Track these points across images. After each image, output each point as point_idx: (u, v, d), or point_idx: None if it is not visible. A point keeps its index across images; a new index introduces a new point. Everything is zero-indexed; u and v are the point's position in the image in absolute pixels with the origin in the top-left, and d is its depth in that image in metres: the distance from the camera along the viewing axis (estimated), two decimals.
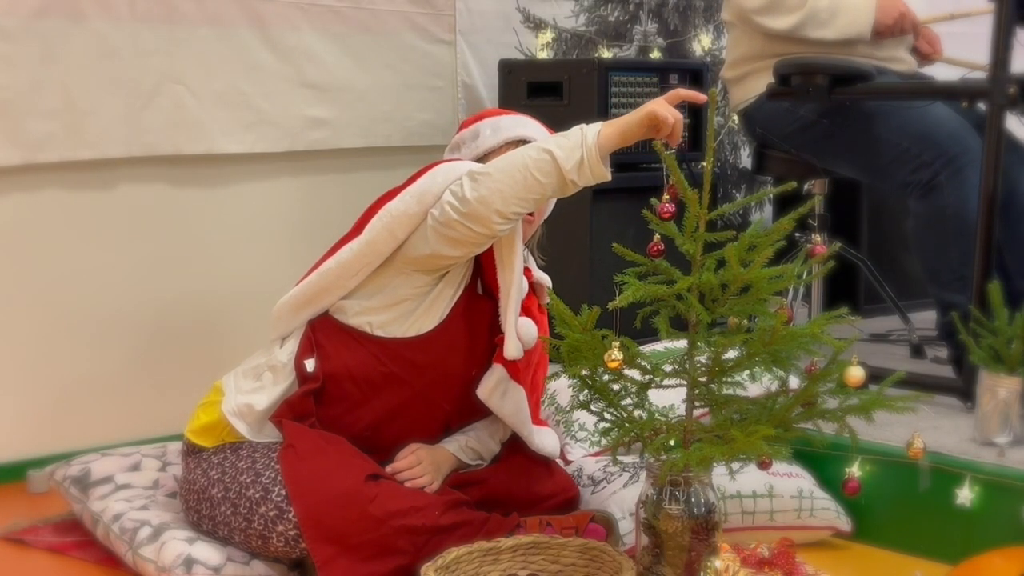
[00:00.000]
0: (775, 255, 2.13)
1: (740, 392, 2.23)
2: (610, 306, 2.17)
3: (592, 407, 2.29)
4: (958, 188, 3.02)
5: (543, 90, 3.67)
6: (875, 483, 2.57)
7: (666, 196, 2.18)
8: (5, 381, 3.10)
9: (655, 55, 3.98)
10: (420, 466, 2.46)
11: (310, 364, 2.45)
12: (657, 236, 2.18)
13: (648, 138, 2.32)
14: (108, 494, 2.62)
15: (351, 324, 2.47)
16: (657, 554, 2.21)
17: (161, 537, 2.41)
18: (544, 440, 2.61)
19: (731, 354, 2.20)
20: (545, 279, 2.65)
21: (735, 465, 2.21)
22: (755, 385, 2.27)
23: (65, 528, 2.73)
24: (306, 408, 2.44)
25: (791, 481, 2.68)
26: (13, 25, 3.01)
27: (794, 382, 2.28)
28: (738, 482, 2.41)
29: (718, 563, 2.11)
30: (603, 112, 3.50)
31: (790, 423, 2.19)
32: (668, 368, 2.21)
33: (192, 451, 2.51)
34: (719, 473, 2.22)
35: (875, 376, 2.23)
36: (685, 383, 2.22)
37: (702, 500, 2.20)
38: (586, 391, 2.27)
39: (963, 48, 3.41)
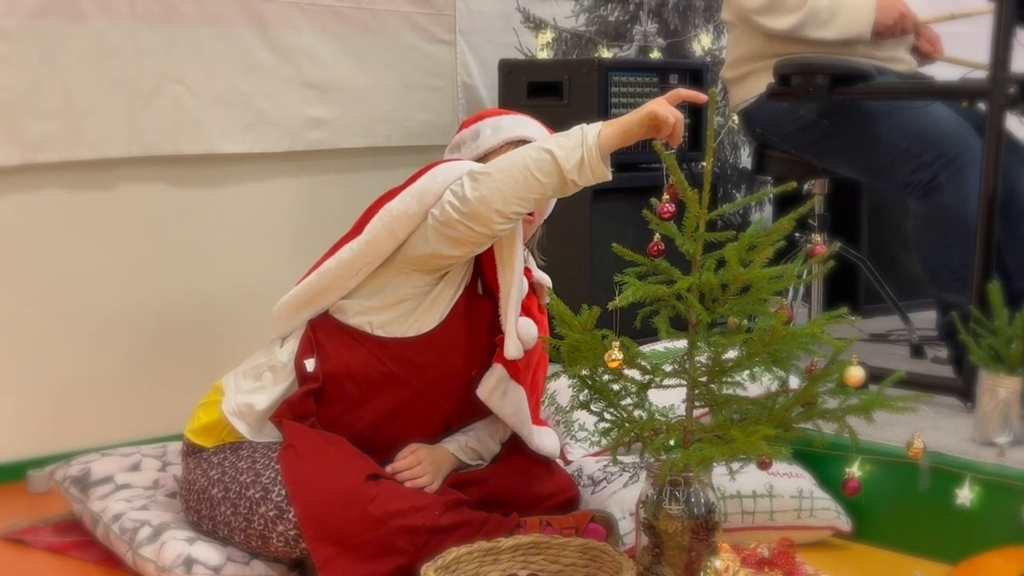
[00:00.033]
0: (775, 255, 2.13)
1: (740, 392, 2.23)
2: (610, 306, 2.17)
3: (592, 407, 2.29)
4: (958, 188, 3.02)
5: (543, 90, 3.67)
6: (875, 483, 2.57)
7: (666, 196, 2.18)
8: (5, 381, 3.10)
9: (655, 55, 3.98)
10: (420, 466, 2.46)
11: (310, 364, 2.45)
12: (657, 236, 2.18)
13: (649, 138, 2.32)
14: (108, 494, 2.62)
15: (351, 324, 2.47)
16: (657, 554, 2.21)
17: (161, 537, 2.41)
18: (544, 440, 2.61)
19: (731, 354, 2.20)
20: (545, 279, 2.65)
21: (735, 465, 2.21)
22: (755, 385, 2.27)
23: (65, 528, 2.73)
24: (306, 408, 2.44)
25: (791, 481, 2.68)
26: (13, 25, 3.01)
27: (794, 382, 2.28)
28: (738, 482, 2.41)
29: (718, 563, 2.11)
30: (603, 112, 3.50)
31: (790, 423, 2.19)
32: (668, 368, 2.21)
33: (192, 451, 2.51)
34: (719, 473, 2.22)
35: (875, 376, 2.23)
36: (685, 383, 2.22)
37: (702, 500, 2.20)
38: (586, 391, 2.27)
39: (963, 48, 3.41)
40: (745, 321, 2.19)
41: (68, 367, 3.19)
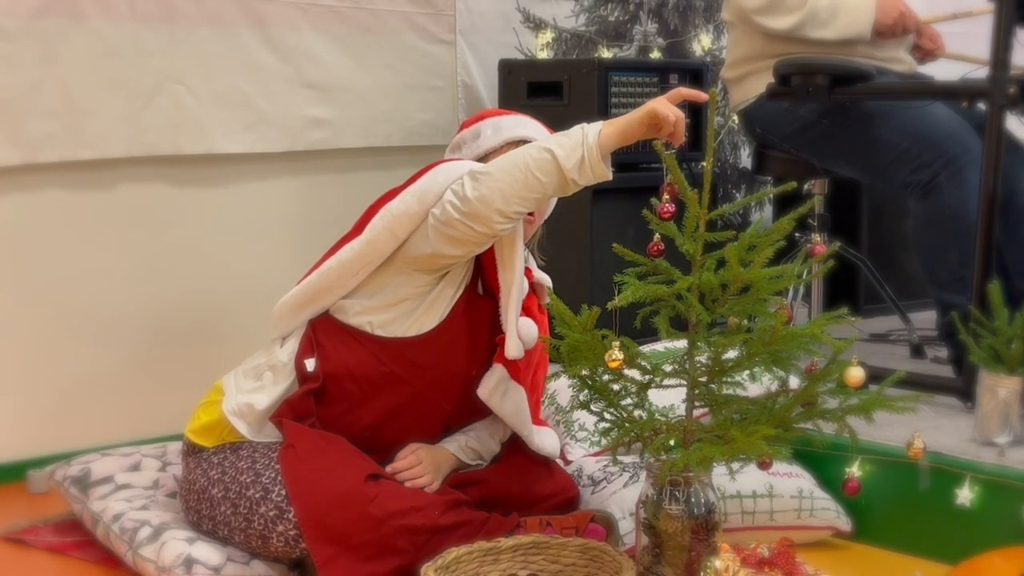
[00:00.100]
0: (775, 255, 2.13)
1: (740, 392, 2.23)
2: (610, 306, 2.17)
3: (592, 407, 2.29)
4: (958, 188, 3.02)
5: (543, 90, 3.67)
6: (875, 483, 2.57)
7: (666, 196, 2.18)
8: (5, 381, 3.10)
9: (655, 55, 3.98)
10: (420, 466, 2.46)
11: (310, 364, 2.45)
12: (657, 236, 2.18)
13: (649, 137, 2.31)
14: (108, 494, 2.62)
15: (351, 324, 2.47)
16: (657, 554, 2.21)
17: (161, 537, 2.41)
18: (544, 440, 2.61)
19: (731, 354, 2.20)
20: (545, 279, 2.65)
21: (735, 465, 2.21)
22: (755, 385, 2.27)
23: (65, 528, 2.73)
24: (306, 408, 2.44)
25: (791, 481, 2.68)
26: (13, 25, 3.01)
27: (794, 382, 2.28)
28: (738, 482, 2.41)
29: (718, 563, 2.11)
30: (603, 112, 3.50)
31: (790, 423, 2.19)
32: (668, 368, 2.21)
33: (192, 451, 2.51)
34: (719, 473, 2.22)
35: (875, 376, 2.23)
36: (685, 383, 2.22)
37: (702, 500, 2.20)
38: (586, 391, 2.27)
39: (963, 48, 3.41)
40: (745, 321, 2.19)
41: (68, 367, 3.19)
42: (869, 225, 4.14)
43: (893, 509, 2.66)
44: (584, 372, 2.23)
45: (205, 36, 3.36)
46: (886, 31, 3.26)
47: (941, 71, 3.42)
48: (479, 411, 2.55)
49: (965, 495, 2.51)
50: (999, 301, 2.67)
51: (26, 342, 3.13)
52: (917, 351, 3.52)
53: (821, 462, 2.72)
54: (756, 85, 3.33)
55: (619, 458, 2.58)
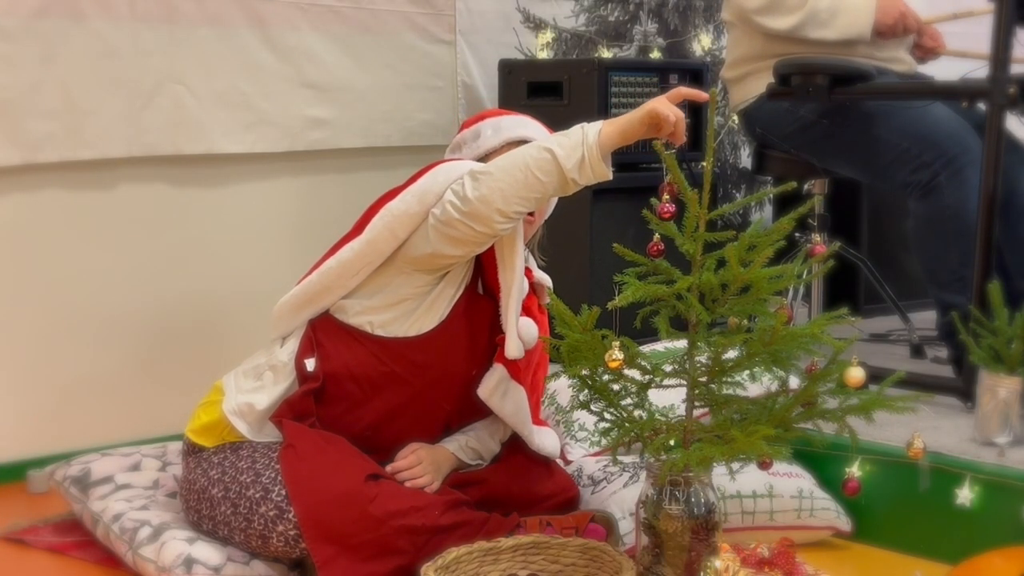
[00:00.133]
0: (775, 255, 2.13)
1: (740, 392, 2.23)
2: (610, 306, 2.17)
3: (592, 407, 2.29)
4: (958, 188, 3.02)
5: (543, 90, 3.67)
6: (875, 483, 2.57)
7: (666, 196, 2.18)
8: (5, 381, 3.10)
9: (655, 55, 3.98)
10: (420, 466, 2.46)
11: (310, 363, 2.45)
12: (657, 236, 2.18)
13: (650, 137, 2.31)
14: (108, 494, 2.62)
15: (352, 323, 2.47)
16: (657, 554, 2.21)
17: (161, 537, 2.41)
18: (544, 440, 2.61)
19: (731, 354, 2.20)
20: (546, 279, 2.65)
21: (735, 465, 2.21)
22: (755, 385, 2.27)
23: (65, 528, 2.73)
24: (306, 408, 2.44)
25: (791, 481, 2.68)
26: (13, 25, 3.01)
27: (794, 382, 2.28)
28: (738, 482, 2.41)
29: (718, 563, 2.11)
30: (603, 112, 3.50)
31: (790, 423, 2.19)
32: (668, 368, 2.21)
33: (192, 451, 2.51)
34: (719, 473, 2.22)
35: (875, 376, 2.23)
36: (685, 383, 2.22)
37: (702, 500, 2.20)
38: (586, 391, 2.27)
39: (963, 48, 3.41)
40: (745, 321, 2.19)
41: (68, 367, 3.19)
42: (869, 225, 4.14)
43: (893, 509, 2.66)
44: (584, 372, 2.23)
45: (205, 36, 3.36)
46: (886, 31, 3.26)
47: (941, 71, 3.42)
48: (479, 411, 2.55)
49: (965, 495, 2.51)
50: (999, 301, 2.67)
51: (26, 342, 3.13)
52: (917, 351, 3.52)
53: (821, 462, 2.72)
54: (756, 85, 3.33)
55: (619, 458, 2.58)
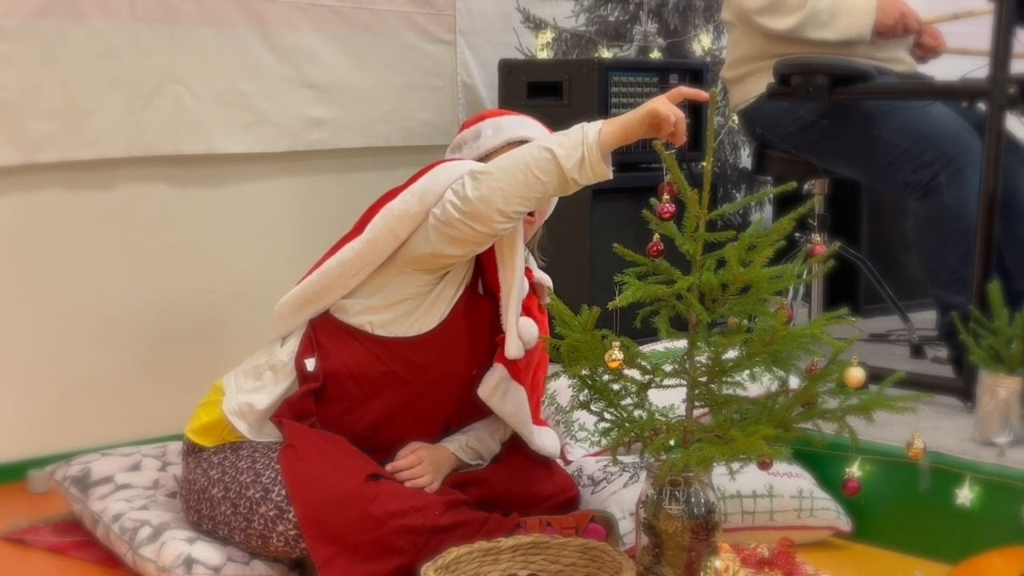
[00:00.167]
0: (775, 255, 2.13)
1: (740, 392, 2.23)
2: (610, 306, 2.17)
3: (592, 407, 2.29)
4: (958, 188, 3.02)
5: (543, 90, 3.67)
6: (875, 483, 2.57)
7: (666, 196, 2.18)
8: (6, 381, 3.10)
9: (655, 55, 3.98)
10: (420, 466, 2.46)
11: (310, 363, 2.45)
12: (656, 236, 2.18)
13: (650, 137, 2.31)
14: (108, 494, 2.62)
15: (352, 323, 2.48)
16: (657, 554, 2.21)
17: (161, 537, 2.41)
18: (544, 440, 2.61)
19: (731, 354, 2.20)
20: (546, 279, 2.65)
21: (735, 465, 2.21)
22: (755, 385, 2.27)
23: (65, 528, 2.73)
24: (306, 407, 2.44)
25: (791, 481, 2.68)
26: (13, 25, 3.01)
27: (794, 382, 2.28)
28: (738, 482, 2.41)
29: (718, 563, 2.11)
30: (603, 112, 3.50)
31: (790, 423, 2.19)
32: (668, 368, 2.21)
33: (192, 451, 2.51)
34: (719, 473, 2.22)
35: (875, 376, 2.23)
36: (685, 383, 2.22)
37: (702, 500, 2.20)
38: (586, 391, 2.27)
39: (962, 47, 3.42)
40: (745, 321, 2.19)
41: (69, 367, 3.19)
42: (869, 225, 4.14)
43: (893, 509, 2.66)
44: (584, 372, 2.23)
45: (205, 36, 3.36)
46: (887, 31, 3.26)
47: (941, 71, 3.42)
48: (479, 411, 2.55)
49: (965, 495, 2.51)
50: (999, 301, 2.67)
51: (26, 342, 3.13)
52: (917, 351, 3.52)
53: (821, 462, 2.72)
54: (756, 85, 3.33)
55: (619, 458, 2.58)
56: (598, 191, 3.22)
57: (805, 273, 2.22)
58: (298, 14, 3.55)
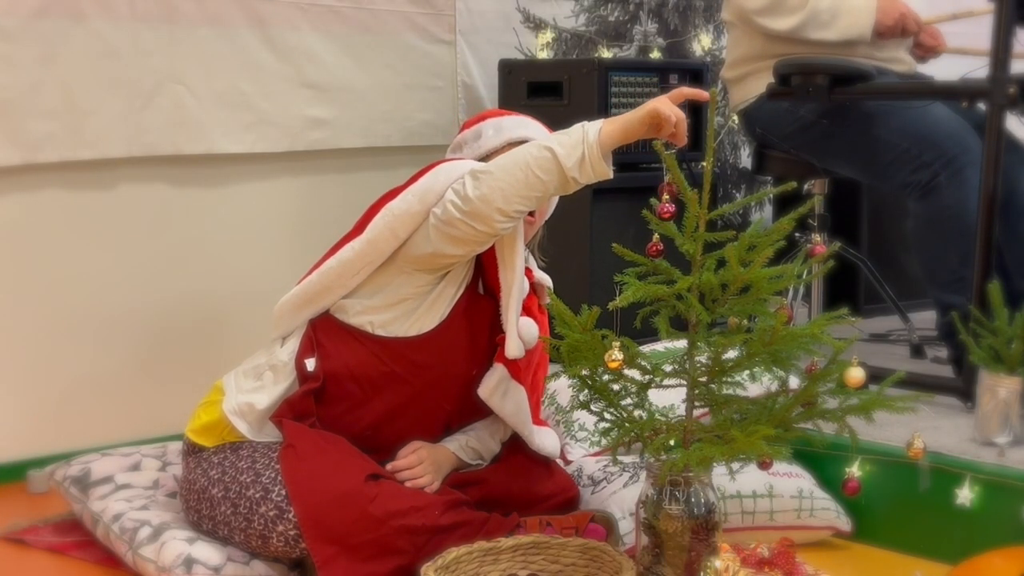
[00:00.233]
0: (775, 255, 2.13)
1: (740, 392, 2.23)
2: (610, 306, 2.17)
3: (592, 407, 2.29)
4: (958, 189, 3.02)
5: (543, 90, 3.67)
6: (875, 483, 2.57)
7: (666, 196, 2.18)
8: (5, 381, 3.10)
9: (655, 55, 3.98)
10: (421, 466, 2.46)
11: (311, 363, 2.45)
12: (656, 236, 2.18)
13: (650, 137, 2.31)
14: (108, 494, 2.62)
15: (352, 323, 2.48)
16: (657, 554, 2.21)
17: (161, 537, 2.41)
18: (544, 440, 2.61)
19: (731, 354, 2.20)
20: (546, 279, 2.65)
21: (735, 465, 2.21)
22: (755, 385, 2.27)
23: (65, 528, 2.73)
24: (306, 407, 2.44)
25: (791, 481, 2.68)
26: (13, 25, 3.01)
27: (794, 382, 2.28)
28: (738, 482, 2.41)
29: (718, 563, 2.11)
30: (603, 112, 3.50)
31: (790, 423, 2.19)
32: (668, 368, 2.21)
33: (192, 450, 2.51)
34: (719, 473, 2.22)
35: (875, 376, 2.23)
36: (685, 383, 2.22)
37: (702, 500, 2.20)
38: (586, 391, 2.27)
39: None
40: (745, 321, 2.19)
41: (68, 367, 3.19)
42: (869, 225, 4.14)
43: (893, 509, 2.66)
44: (584, 372, 2.23)
45: (205, 36, 3.36)
46: (887, 32, 3.26)
47: (941, 71, 3.42)
48: (479, 411, 2.55)
49: (965, 495, 2.51)
50: (999, 301, 2.67)
51: (26, 342, 3.13)
52: (917, 351, 3.52)
53: (821, 462, 2.72)
54: (756, 85, 3.33)
55: (619, 458, 2.58)
56: (598, 191, 3.22)
57: (805, 273, 2.21)
58: (298, 14, 3.55)
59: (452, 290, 2.49)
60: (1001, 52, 2.81)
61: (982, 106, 2.91)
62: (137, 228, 3.30)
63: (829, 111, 3.20)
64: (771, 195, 2.35)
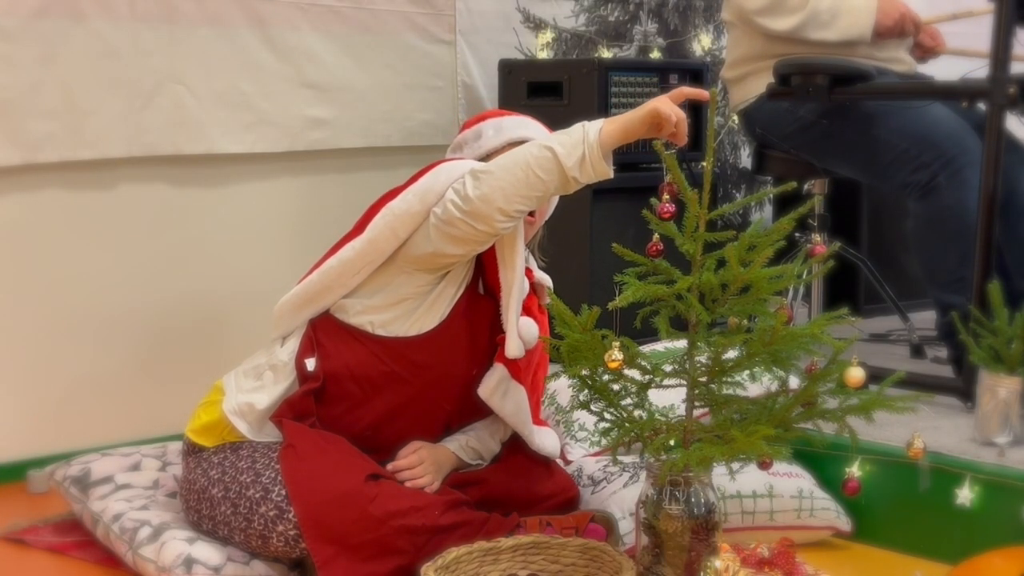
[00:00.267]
0: (775, 255, 2.13)
1: (740, 392, 2.23)
2: (610, 306, 2.17)
3: (592, 407, 2.29)
4: (957, 189, 3.02)
5: (543, 90, 3.67)
6: (875, 483, 2.57)
7: (666, 196, 2.18)
8: (5, 381, 3.10)
9: (655, 55, 3.98)
10: (421, 466, 2.46)
11: (311, 363, 2.45)
12: (656, 236, 2.18)
13: (651, 136, 2.31)
14: (108, 494, 2.62)
15: (352, 323, 2.48)
16: (657, 554, 2.21)
17: (161, 537, 2.41)
18: (544, 440, 2.61)
19: (731, 354, 2.20)
20: (546, 279, 2.65)
21: (735, 465, 2.21)
22: (755, 385, 2.27)
23: (65, 528, 2.73)
24: (307, 407, 2.44)
25: (791, 481, 2.68)
26: (13, 25, 3.01)
27: (794, 382, 2.28)
28: (738, 482, 2.41)
29: (718, 563, 2.11)
30: (603, 112, 3.50)
31: (790, 423, 2.19)
32: (668, 368, 2.21)
33: (192, 450, 2.51)
34: (719, 473, 2.22)
35: (875, 376, 2.23)
36: (685, 383, 2.22)
37: (702, 500, 2.20)
38: (586, 391, 2.27)
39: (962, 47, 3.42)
40: (745, 321, 2.18)
41: (68, 367, 3.19)
42: (869, 225, 4.14)
43: (893, 509, 2.66)
44: (584, 372, 2.23)
45: (205, 36, 3.36)
46: (887, 32, 3.26)
47: (941, 71, 3.43)
48: (479, 411, 2.55)
49: (965, 495, 2.51)
50: (999, 301, 2.67)
51: (26, 342, 3.13)
52: (917, 351, 3.52)
53: (821, 462, 2.72)
54: (756, 85, 3.33)
55: (619, 458, 2.58)
56: (598, 191, 3.22)
57: (805, 273, 2.21)
58: (298, 14, 3.55)
59: (452, 290, 2.49)
60: (1001, 52, 2.81)
61: (982, 106, 2.91)
62: (137, 228, 3.31)
63: (829, 111, 3.20)
64: (771, 195, 2.35)
